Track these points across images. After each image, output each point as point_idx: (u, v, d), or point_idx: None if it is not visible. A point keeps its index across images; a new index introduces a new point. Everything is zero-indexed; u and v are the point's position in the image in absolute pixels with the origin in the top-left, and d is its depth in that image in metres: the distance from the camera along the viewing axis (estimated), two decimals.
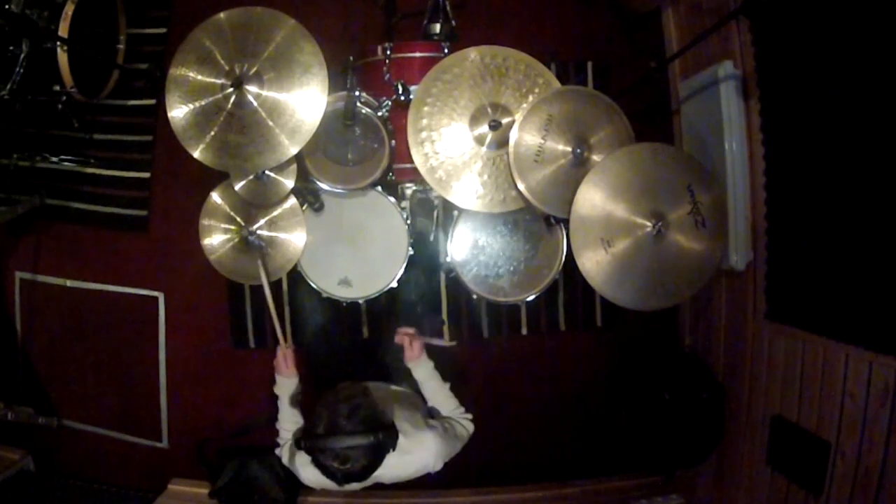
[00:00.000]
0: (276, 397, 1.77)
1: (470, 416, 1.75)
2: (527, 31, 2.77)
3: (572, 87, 1.77)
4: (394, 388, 1.84)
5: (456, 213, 1.94)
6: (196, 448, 2.68)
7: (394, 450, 1.42)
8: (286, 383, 1.76)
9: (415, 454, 1.53)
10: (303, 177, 1.83)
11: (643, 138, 1.72)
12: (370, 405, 1.39)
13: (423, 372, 1.75)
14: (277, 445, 1.75)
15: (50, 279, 2.80)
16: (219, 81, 1.61)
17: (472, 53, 1.70)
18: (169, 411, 2.79)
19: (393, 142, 1.79)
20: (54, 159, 2.75)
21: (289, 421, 1.74)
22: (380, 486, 1.58)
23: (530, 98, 1.70)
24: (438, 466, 1.59)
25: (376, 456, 1.39)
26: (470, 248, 1.97)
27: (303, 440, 1.38)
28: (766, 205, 2.13)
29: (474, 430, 1.73)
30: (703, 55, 2.34)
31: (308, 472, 1.47)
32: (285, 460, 1.64)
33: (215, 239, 1.94)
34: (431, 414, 1.74)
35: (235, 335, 2.76)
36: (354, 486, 1.47)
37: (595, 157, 1.69)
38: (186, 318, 2.78)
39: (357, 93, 1.68)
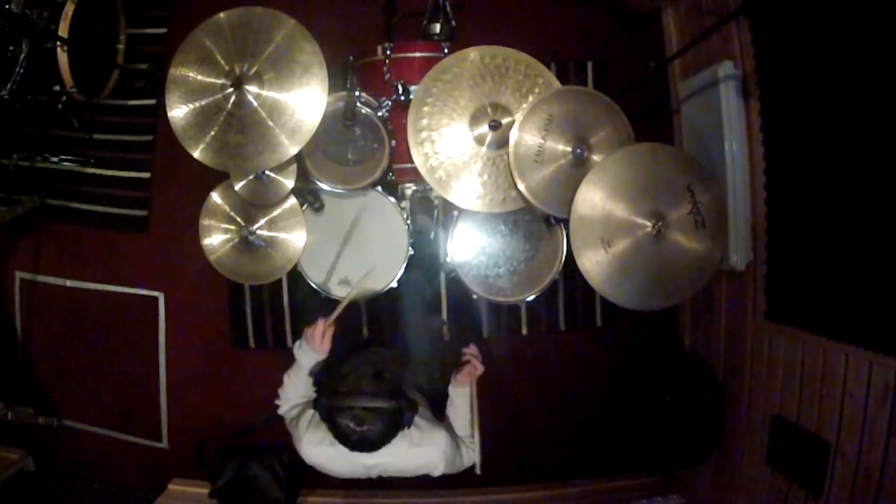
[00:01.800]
0: (293, 361, 1.74)
1: (478, 448, 1.71)
2: (527, 31, 2.76)
3: (572, 87, 1.77)
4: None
5: (456, 212, 1.94)
6: (196, 448, 2.68)
7: (409, 427, 1.41)
8: (312, 355, 1.72)
9: (424, 448, 1.54)
10: (303, 177, 1.83)
11: (643, 138, 1.72)
12: (396, 374, 1.38)
13: (465, 395, 1.72)
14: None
15: (50, 279, 2.80)
16: (219, 81, 1.61)
17: (472, 53, 1.70)
18: (169, 411, 2.79)
19: (393, 142, 1.79)
20: (54, 159, 2.75)
21: (298, 391, 1.73)
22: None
23: (530, 98, 1.69)
24: (439, 470, 1.59)
25: (393, 424, 1.38)
26: (470, 248, 1.97)
27: (323, 397, 1.37)
28: (766, 205, 2.13)
29: (473, 462, 1.71)
30: (703, 55, 2.34)
31: (314, 451, 1.47)
32: (296, 431, 1.61)
33: (215, 239, 1.94)
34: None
35: (235, 335, 2.76)
36: (362, 461, 1.46)
37: (595, 157, 1.69)
38: (186, 318, 2.78)
39: (357, 93, 1.68)
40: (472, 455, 1.72)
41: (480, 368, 1.73)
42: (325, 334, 1.68)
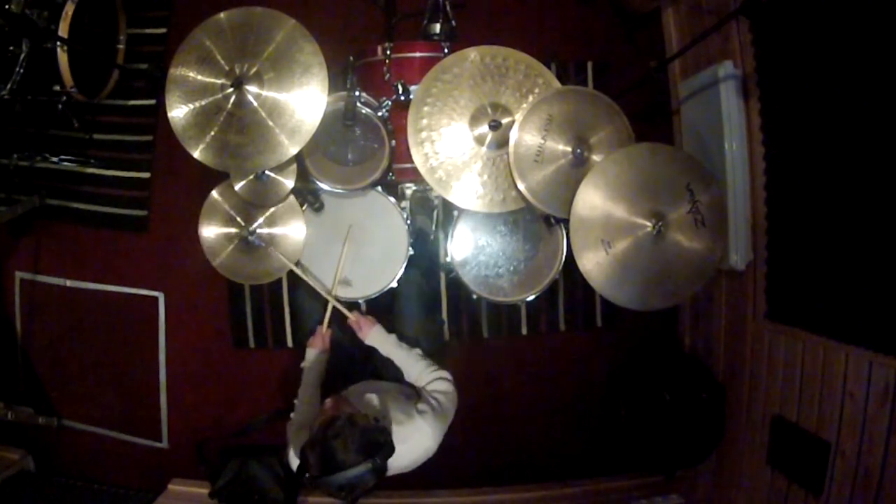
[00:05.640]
0: (301, 371, 1.86)
1: (445, 374, 1.72)
2: (527, 31, 2.76)
3: (572, 87, 1.77)
4: (384, 383, 1.84)
5: (456, 212, 1.94)
6: (196, 448, 2.68)
7: (392, 454, 1.43)
8: (315, 356, 1.85)
9: (412, 441, 1.54)
10: (303, 177, 1.83)
11: (643, 138, 1.72)
12: (360, 432, 1.39)
13: (388, 346, 1.78)
14: (278, 446, 1.75)
15: (50, 279, 2.80)
16: (219, 81, 1.61)
17: (472, 53, 1.70)
18: (169, 411, 2.79)
19: (393, 142, 1.79)
20: (54, 159, 2.75)
21: (305, 397, 1.80)
22: (380, 486, 1.57)
23: (530, 98, 1.69)
24: (434, 450, 1.60)
25: (381, 473, 1.41)
26: (470, 248, 1.97)
27: (309, 480, 1.40)
28: (766, 205, 2.13)
29: (457, 397, 1.70)
30: (703, 55, 2.34)
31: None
32: (289, 453, 1.64)
33: (215, 239, 1.94)
34: (417, 393, 1.73)
35: (235, 335, 2.76)
36: None
37: (595, 157, 1.69)
38: (186, 318, 2.78)
39: (357, 93, 1.68)
40: (448, 388, 1.69)
41: (361, 319, 1.83)
42: (324, 337, 1.86)
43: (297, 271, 1.89)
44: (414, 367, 1.75)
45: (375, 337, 1.81)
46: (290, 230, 1.92)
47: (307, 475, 1.40)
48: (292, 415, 1.79)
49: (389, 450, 1.42)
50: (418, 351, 1.79)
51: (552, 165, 1.68)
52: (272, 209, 1.90)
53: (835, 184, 1.82)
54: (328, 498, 2.61)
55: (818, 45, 1.83)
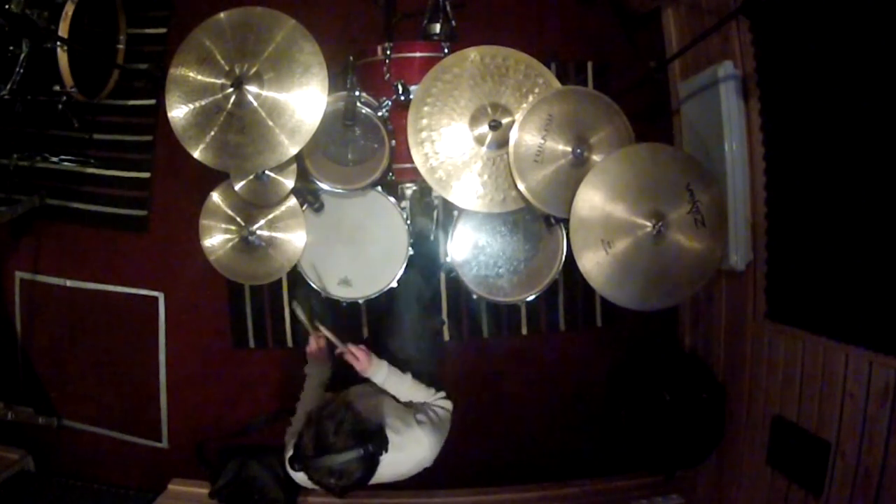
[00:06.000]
0: (304, 377, 1.86)
1: (443, 394, 1.76)
2: (527, 31, 2.76)
3: (572, 87, 1.77)
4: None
5: (456, 213, 1.94)
6: (196, 448, 2.68)
7: (386, 452, 1.43)
8: (316, 366, 1.84)
9: (409, 450, 1.54)
10: (303, 177, 1.83)
11: (643, 138, 1.72)
12: (354, 417, 1.41)
13: (382, 375, 1.72)
14: (278, 446, 1.75)
15: (50, 279, 2.80)
16: (219, 81, 1.61)
17: (472, 53, 1.70)
18: (169, 411, 2.79)
19: (393, 142, 1.79)
20: (54, 159, 2.75)
21: (309, 402, 1.78)
22: (380, 486, 1.58)
23: (530, 98, 1.69)
24: (431, 461, 1.60)
25: (370, 464, 1.41)
26: (470, 248, 1.97)
27: (295, 463, 1.40)
28: (766, 205, 2.13)
29: (454, 408, 1.75)
30: (703, 55, 2.34)
31: (302, 476, 1.49)
32: (287, 454, 1.65)
33: (215, 239, 1.94)
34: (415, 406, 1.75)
35: (235, 335, 2.76)
36: None
37: (595, 157, 1.69)
38: (186, 318, 2.78)
39: (357, 93, 1.68)
40: (447, 405, 1.73)
41: (357, 350, 1.71)
42: (318, 342, 1.81)
43: (297, 312, 1.79)
44: (416, 391, 1.74)
45: (379, 371, 1.72)
46: (291, 232, 1.92)
47: (298, 463, 1.40)
48: (292, 419, 1.78)
49: (382, 441, 1.43)
50: (410, 375, 1.77)
51: (552, 165, 1.68)
52: (273, 211, 1.91)
53: (835, 184, 1.82)
54: (327, 499, 2.61)
55: (818, 45, 1.83)
